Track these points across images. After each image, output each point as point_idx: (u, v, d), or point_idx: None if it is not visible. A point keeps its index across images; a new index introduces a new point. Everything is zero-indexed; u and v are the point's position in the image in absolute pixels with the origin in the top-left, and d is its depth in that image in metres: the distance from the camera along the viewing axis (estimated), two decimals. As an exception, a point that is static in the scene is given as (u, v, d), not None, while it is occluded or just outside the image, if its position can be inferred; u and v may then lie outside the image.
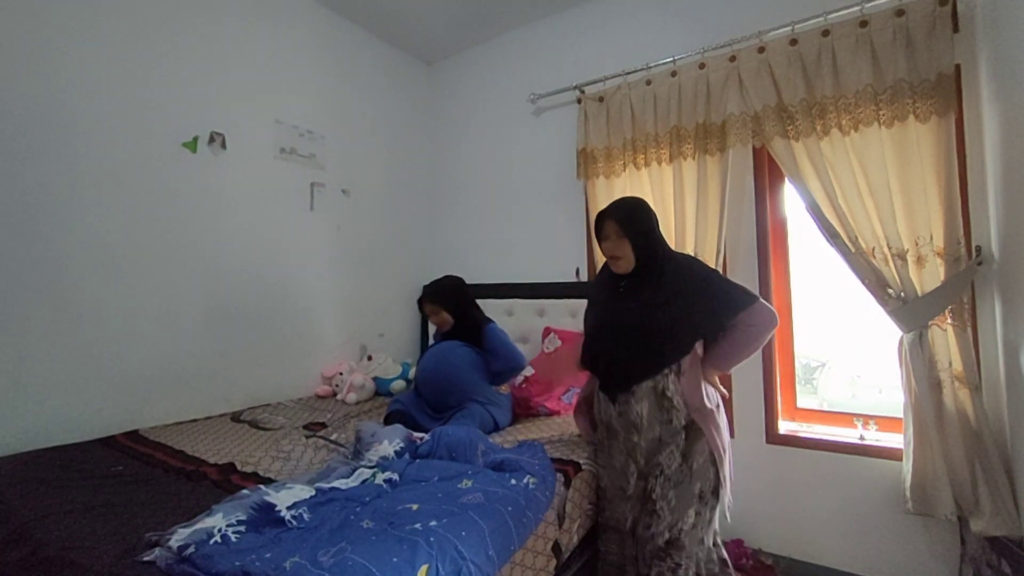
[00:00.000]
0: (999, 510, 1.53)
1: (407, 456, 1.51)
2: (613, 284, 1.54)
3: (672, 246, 2.13)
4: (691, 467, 1.41)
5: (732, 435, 2.13)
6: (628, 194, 2.28)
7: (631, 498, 1.46)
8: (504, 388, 2.16)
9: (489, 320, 2.10)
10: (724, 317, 1.42)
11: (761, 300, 1.42)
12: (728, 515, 1.50)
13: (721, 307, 1.41)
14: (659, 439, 1.44)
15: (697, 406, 1.43)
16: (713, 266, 2.06)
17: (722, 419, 1.48)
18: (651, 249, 1.47)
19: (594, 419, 1.65)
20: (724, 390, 1.57)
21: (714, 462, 1.42)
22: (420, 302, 2.15)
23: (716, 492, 1.44)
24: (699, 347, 1.48)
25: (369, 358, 2.68)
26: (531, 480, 1.34)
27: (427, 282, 3.14)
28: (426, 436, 1.60)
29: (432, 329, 2.37)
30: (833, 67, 1.82)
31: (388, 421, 1.89)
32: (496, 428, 1.92)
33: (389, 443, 1.52)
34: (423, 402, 2.00)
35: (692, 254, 2.11)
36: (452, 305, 2.05)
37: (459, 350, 2.00)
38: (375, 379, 2.55)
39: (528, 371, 2.30)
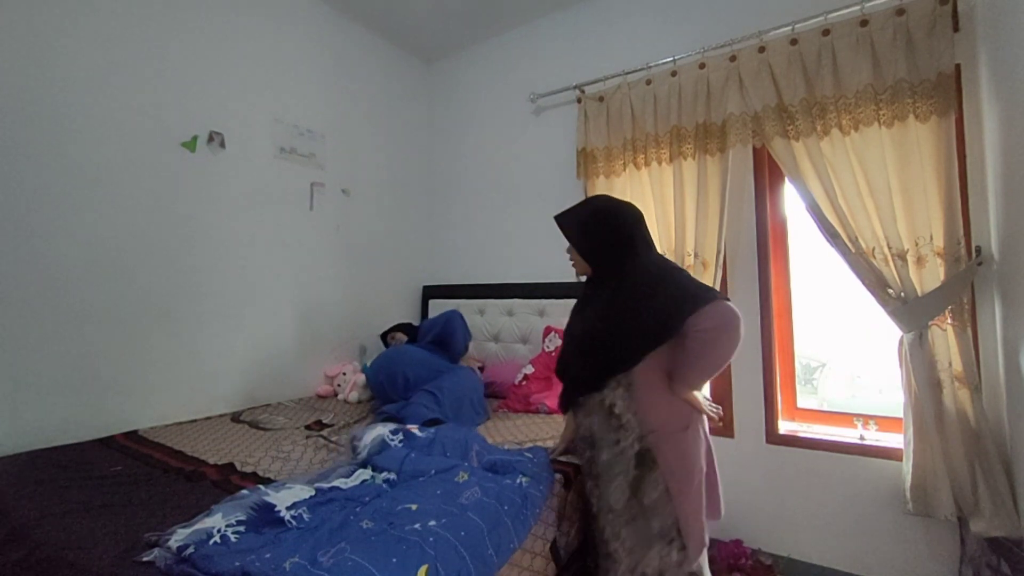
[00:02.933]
0: (999, 511, 1.53)
1: (404, 446, 1.52)
2: (583, 290, 1.48)
3: (672, 246, 2.17)
4: (641, 501, 1.23)
5: (732, 435, 2.14)
6: (628, 194, 2.29)
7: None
8: (475, 364, 2.45)
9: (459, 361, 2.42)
10: (672, 321, 1.22)
11: (718, 301, 1.21)
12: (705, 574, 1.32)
13: (671, 310, 1.22)
14: (609, 465, 1.28)
15: (653, 427, 1.25)
16: (713, 266, 2.06)
17: (693, 445, 1.28)
18: (603, 256, 1.37)
19: None
20: (712, 410, 1.35)
21: (669, 496, 1.22)
22: (386, 334, 2.64)
23: (681, 532, 1.24)
24: (660, 358, 1.29)
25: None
26: (524, 479, 1.34)
27: (427, 282, 3.19)
28: (419, 428, 1.63)
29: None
30: (833, 67, 1.82)
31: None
32: (439, 401, 1.95)
33: (383, 427, 1.58)
34: (388, 398, 2.12)
35: (692, 254, 2.11)
36: (407, 331, 2.61)
37: (397, 348, 2.29)
38: (365, 369, 2.57)
39: (528, 369, 2.31)
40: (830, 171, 1.82)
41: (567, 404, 1.45)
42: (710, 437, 1.38)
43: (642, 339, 1.27)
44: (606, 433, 1.30)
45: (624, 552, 1.24)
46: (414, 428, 1.63)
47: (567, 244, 1.47)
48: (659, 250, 2.18)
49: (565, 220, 1.44)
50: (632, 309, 1.28)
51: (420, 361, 2.14)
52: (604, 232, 1.38)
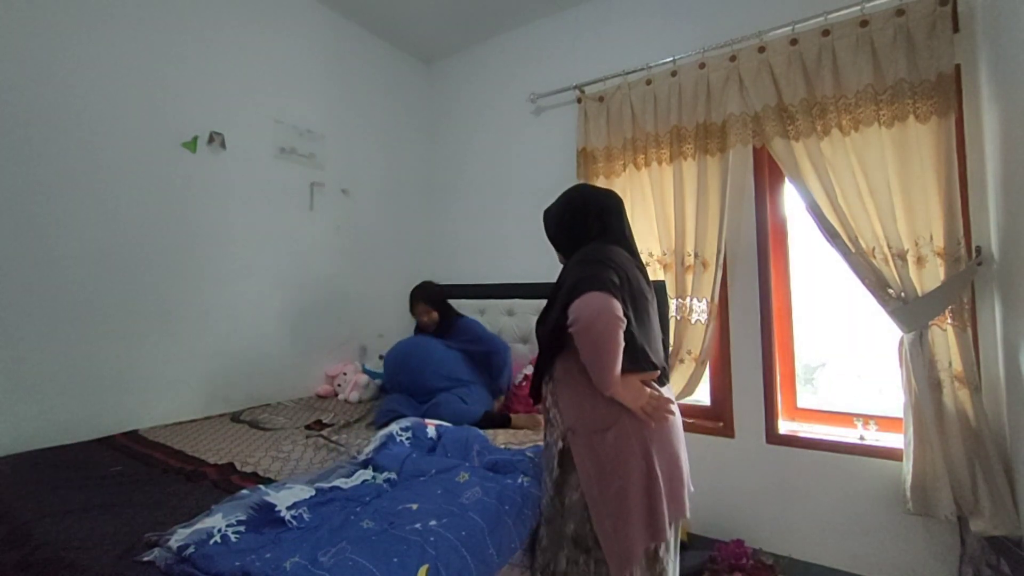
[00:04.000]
0: (999, 510, 1.53)
1: (409, 445, 1.53)
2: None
3: (672, 246, 2.16)
4: (563, 501, 1.18)
5: (732, 435, 2.14)
6: (628, 194, 2.29)
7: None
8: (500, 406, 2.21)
9: (461, 315, 2.36)
10: (560, 316, 1.14)
11: (585, 293, 1.08)
12: None
13: (562, 303, 1.15)
14: (543, 459, 1.27)
15: (571, 425, 1.18)
16: (713, 266, 2.06)
17: (614, 449, 1.13)
18: (560, 246, 1.40)
19: None
20: (651, 409, 1.15)
21: (585, 503, 1.13)
22: (414, 302, 2.34)
23: (598, 542, 1.12)
24: (576, 354, 1.16)
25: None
26: (525, 479, 1.34)
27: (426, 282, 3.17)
28: (433, 425, 1.66)
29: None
30: (833, 67, 1.82)
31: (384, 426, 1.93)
32: (470, 411, 1.94)
33: (395, 424, 1.61)
34: (402, 396, 2.07)
35: (692, 254, 2.11)
36: (440, 305, 2.33)
37: (424, 340, 2.19)
38: (366, 370, 2.57)
39: (529, 369, 2.31)
40: (830, 171, 1.82)
41: (535, 398, 1.38)
42: (678, 438, 1.23)
43: (548, 334, 1.23)
44: (545, 428, 1.31)
45: (539, 550, 1.23)
46: (431, 424, 1.65)
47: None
48: (660, 250, 2.21)
49: (545, 215, 1.47)
50: (550, 301, 1.27)
51: (445, 357, 2.10)
52: (561, 222, 1.39)
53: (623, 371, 1.12)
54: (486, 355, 2.19)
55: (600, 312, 1.06)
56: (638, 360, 1.17)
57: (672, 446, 1.20)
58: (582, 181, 2.45)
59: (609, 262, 1.17)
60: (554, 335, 1.21)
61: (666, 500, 1.14)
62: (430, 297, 2.32)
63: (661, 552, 1.16)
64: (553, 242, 1.44)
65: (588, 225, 1.33)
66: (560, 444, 1.20)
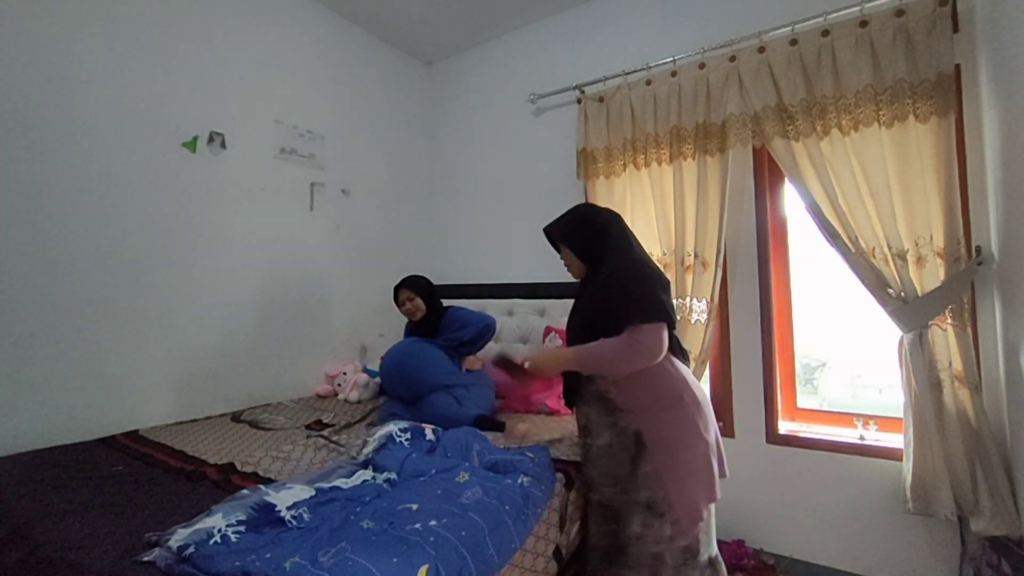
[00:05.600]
0: (999, 510, 1.53)
1: (409, 446, 1.54)
2: (577, 289, 1.60)
3: (672, 246, 2.17)
4: (636, 475, 1.34)
5: (732, 435, 2.14)
6: (628, 194, 2.30)
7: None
8: (477, 363, 2.22)
9: (447, 306, 2.30)
10: (625, 320, 1.33)
11: (654, 323, 1.31)
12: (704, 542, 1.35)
13: (631, 307, 1.33)
14: (609, 444, 1.40)
15: (639, 408, 1.35)
16: (713, 266, 2.06)
17: (679, 423, 1.34)
18: (590, 250, 1.47)
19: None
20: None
21: (658, 474, 1.31)
22: (397, 290, 2.26)
23: (670, 504, 1.31)
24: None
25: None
26: (525, 479, 1.34)
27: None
28: (432, 429, 1.66)
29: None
30: (833, 67, 1.82)
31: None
32: (461, 412, 1.93)
33: (394, 424, 1.62)
34: (399, 401, 2.05)
35: (692, 254, 2.12)
36: (425, 293, 2.23)
37: (417, 343, 2.12)
38: (366, 369, 2.56)
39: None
40: (830, 171, 1.82)
41: (570, 398, 1.55)
42: (712, 416, 1.44)
43: (614, 328, 1.35)
44: (603, 417, 1.41)
45: (613, 512, 1.38)
46: (428, 427, 1.65)
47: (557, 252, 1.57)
48: (660, 250, 2.21)
49: (554, 228, 1.56)
50: (606, 300, 1.37)
51: (438, 363, 2.07)
52: (588, 228, 1.50)
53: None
54: (480, 333, 2.16)
55: (656, 350, 1.31)
56: (680, 352, 1.46)
57: (713, 423, 1.44)
58: (585, 184, 2.46)
59: (659, 278, 1.40)
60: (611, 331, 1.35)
61: (715, 464, 1.37)
62: (414, 284, 2.23)
63: (711, 511, 1.39)
64: (582, 250, 1.49)
65: (610, 234, 1.47)
66: (633, 426, 1.36)
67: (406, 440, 1.55)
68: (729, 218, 2.07)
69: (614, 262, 1.41)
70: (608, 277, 1.39)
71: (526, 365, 1.40)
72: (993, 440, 1.58)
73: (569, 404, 1.56)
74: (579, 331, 1.46)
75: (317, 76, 2.62)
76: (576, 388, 1.50)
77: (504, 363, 1.45)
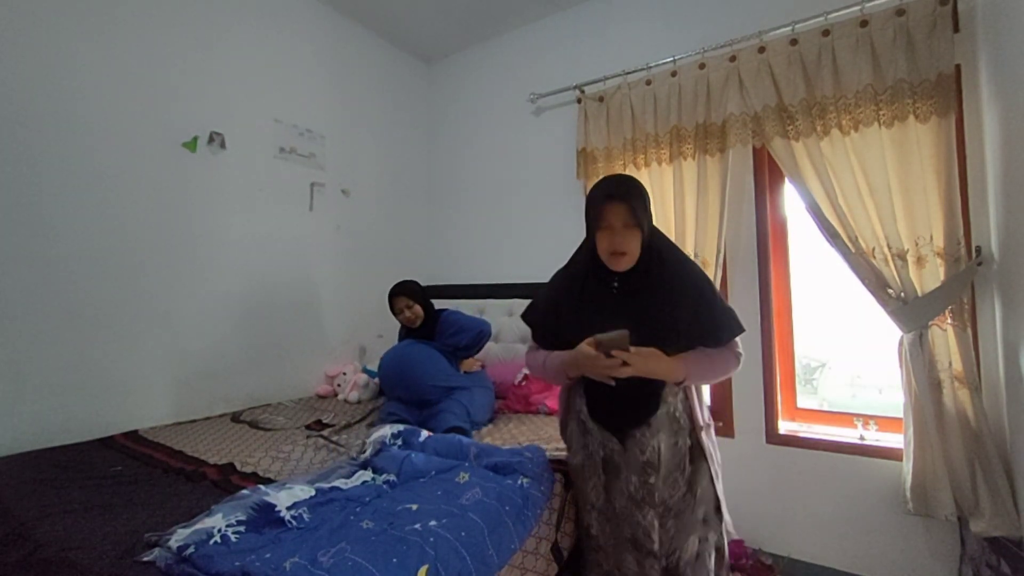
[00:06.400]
0: (999, 510, 1.53)
1: (402, 449, 1.53)
2: (600, 282, 1.27)
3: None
4: (695, 493, 1.25)
5: (732, 435, 2.14)
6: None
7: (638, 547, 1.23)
8: (476, 364, 2.23)
9: (441, 309, 2.29)
10: (722, 333, 1.26)
11: (739, 334, 1.31)
12: (727, 533, 1.38)
13: (729, 324, 1.28)
14: (670, 472, 1.23)
15: (699, 423, 1.29)
16: (713, 266, 2.06)
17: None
18: (652, 237, 1.24)
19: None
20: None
21: (712, 480, 1.29)
22: (392, 298, 2.22)
23: (719, 510, 1.30)
24: None
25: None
26: (524, 480, 1.34)
27: (427, 282, 3.18)
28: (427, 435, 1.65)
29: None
30: (833, 67, 1.82)
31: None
32: (470, 414, 1.94)
33: (389, 427, 1.62)
34: (400, 403, 2.04)
35: (692, 254, 2.11)
36: (421, 299, 2.23)
37: (415, 346, 2.11)
38: (366, 370, 2.56)
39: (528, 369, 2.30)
40: (830, 171, 1.82)
41: (625, 428, 1.25)
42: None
43: (706, 341, 1.26)
44: (669, 439, 1.23)
45: (667, 540, 1.24)
46: (424, 432, 1.66)
47: (611, 233, 1.21)
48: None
49: (630, 195, 1.20)
50: (696, 311, 1.22)
51: (438, 365, 2.06)
52: (649, 206, 1.26)
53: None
54: (476, 339, 2.14)
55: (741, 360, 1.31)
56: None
57: None
58: (584, 184, 2.45)
59: None
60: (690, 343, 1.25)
61: None
62: (411, 291, 2.20)
63: None
64: (641, 218, 1.21)
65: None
66: (689, 441, 1.27)
67: (398, 447, 1.55)
68: (729, 218, 2.07)
69: (680, 264, 1.27)
70: (692, 285, 1.23)
71: (628, 360, 1.14)
72: (993, 440, 1.58)
73: (619, 430, 1.26)
74: (649, 340, 1.17)
75: (317, 75, 2.62)
76: (648, 412, 1.23)
77: (607, 345, 1.14)
